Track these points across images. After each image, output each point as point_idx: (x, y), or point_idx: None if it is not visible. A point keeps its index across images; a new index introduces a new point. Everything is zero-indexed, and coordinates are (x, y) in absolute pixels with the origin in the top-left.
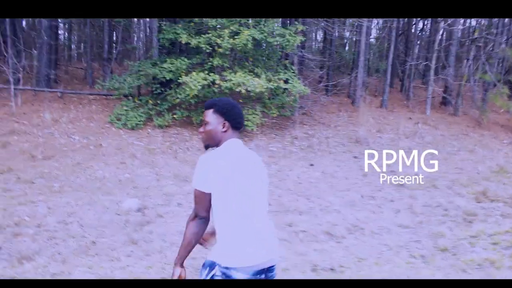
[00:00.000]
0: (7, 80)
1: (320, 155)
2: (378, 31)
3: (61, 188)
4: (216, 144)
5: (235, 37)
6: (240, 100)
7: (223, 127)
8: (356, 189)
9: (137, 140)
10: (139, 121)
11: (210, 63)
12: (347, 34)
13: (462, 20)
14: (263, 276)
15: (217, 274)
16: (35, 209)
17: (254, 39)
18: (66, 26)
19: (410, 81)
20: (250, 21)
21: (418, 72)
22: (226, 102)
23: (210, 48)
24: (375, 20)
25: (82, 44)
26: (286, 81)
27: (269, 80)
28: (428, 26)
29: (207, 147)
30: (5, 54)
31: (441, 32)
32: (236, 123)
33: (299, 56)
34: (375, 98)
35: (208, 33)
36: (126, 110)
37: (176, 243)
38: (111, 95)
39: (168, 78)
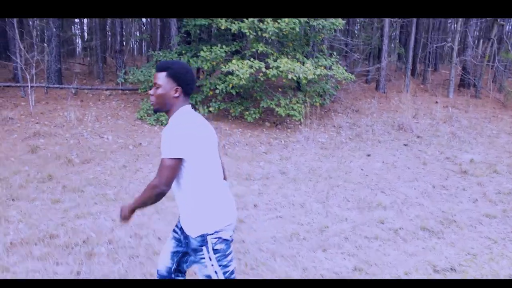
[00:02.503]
0: (13, 77)
1: (371, 145)
2: None
3: (116, 196)
4: (167, 109)
5: (278, 21)
6: (280, 89)
7: (176, 92)
8: (423, 179)
9: None
10: None
11: (252, 50)
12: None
13: None
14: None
15: (214, 241)
16: (98, 222)
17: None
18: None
19: (429, 64)
20: None
21: (435, 55)
22: (181, 66)
23: (254, 34)
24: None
25: (91, 36)
26: (329, 68)
27: (316, 67)
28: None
29: (157, 111)
30: (16, 48)
31: None
32: (188, 88)
33: (332, 40)
34: (394, 83)
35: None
36: None
37: (273, 251)
38: (129, 89)
39: (206, 68)
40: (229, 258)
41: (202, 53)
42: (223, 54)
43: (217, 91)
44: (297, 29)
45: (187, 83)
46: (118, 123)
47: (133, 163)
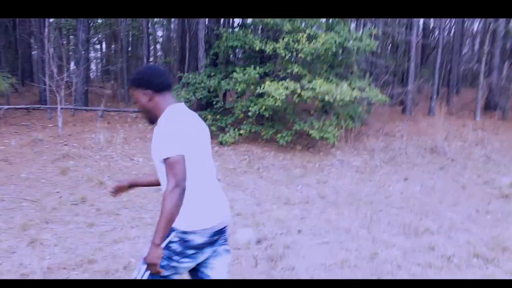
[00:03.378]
0: (38, 100)
1: (406, 168)
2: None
3: (153, 220)
4: (155, 115)
5: (313, 41)
6: (311, 111)
7: (148, 97)
8: (465, 203)
9: None
10: None
11: (287, 71)
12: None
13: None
14: (216, 238)
15: (174, 240)
16: (137, 247)
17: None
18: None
19: (454, 87)
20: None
21: (457, 77)
22: (137, 72)
23: (289, 54)
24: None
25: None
26: (363, 90)
27: (353, 88)
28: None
29: (151, 121)
30: (46, 71)
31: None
32: (159, 86)
33: (364, 61)
34: (419, 105)
35: (281, 39)
36: None
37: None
38: None
39: (239, 90)
40: (174, 264)
41: (235, 75)
42: (257, 76)
43: (249, 113)
44: (334, 49)
45: (153, 82)
46: (147, 145)
47: None
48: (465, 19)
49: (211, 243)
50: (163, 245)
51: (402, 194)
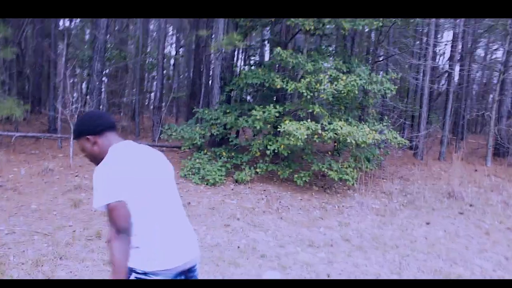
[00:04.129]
0: (47, 129)
1: (426, 212)
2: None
3: None
4: (102, 158)
5: (335, 83)
6: (329, 152)
7: (90, 143)
8: (492, 250)
9: (226, 198)
10: (220, 176)
11: (307, 111)
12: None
13: None
14: (183, 277)
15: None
16: None
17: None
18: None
19: (464, 133)
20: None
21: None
22: (76, 123)
23: (311, 94)
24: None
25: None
26: (380, 132)
27: (374, 131)
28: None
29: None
30: (59, 99)
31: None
32: (94, 128)
33: (379, 104)
34: (429, 149)
35: (303, 78)
36: (199, 163)
37: None
38: (167, 146)
39: (258, 128)
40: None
41: (254, 112)
42: (277, 114)
43: (267, 152)
44: (356, 91)
45: (92, 126)
46: None
47: None
48: (473, 68)
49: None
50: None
51: (426, 239)
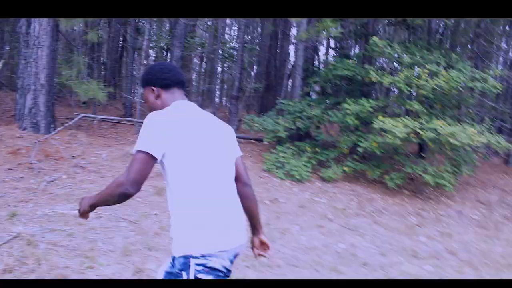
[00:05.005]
0: (124, 114)
1: None
2: None
3: (271, 261)
4: None
5: (435, 78)
6: (422, 154)
7: (154, 95)
8: None
9: (314, 196)
10: (306, 172)
11: (402, 108)
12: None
13: None
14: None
15: (197, 270)
16: None
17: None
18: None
19: None
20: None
21: None
22: (145, 70)
23: (409, 90)
24: None
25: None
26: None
27: (481, 133)
28: None
29: None
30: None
31: None
32: (161, 81)
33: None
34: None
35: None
36: (283, 157)
37: None
38: (246, 138)
39: (351, 123)
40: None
41: (346, 106)
42: (370, 109)
43: (359, 149)
44: (460, 88)
45: (160, 78)
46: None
47: (276, 221)
48: None
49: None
50: (191, 276)
51: None
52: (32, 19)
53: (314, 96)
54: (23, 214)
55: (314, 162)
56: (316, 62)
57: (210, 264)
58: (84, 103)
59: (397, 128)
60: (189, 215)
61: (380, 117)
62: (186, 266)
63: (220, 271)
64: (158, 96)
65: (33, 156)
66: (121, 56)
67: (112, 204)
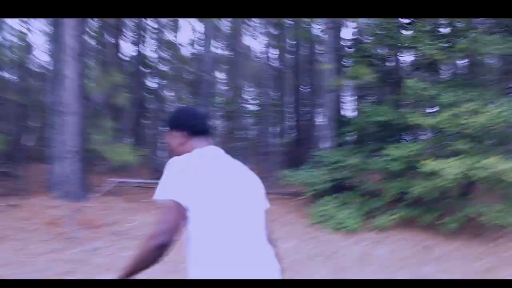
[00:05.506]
0: (154, 176)
1: None
2: None
3: None
4: None
5: (479, 115)
6: (469, 194)
7: (179, 140)
8: None
9: (370, 248)
10: (356, 223)
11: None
12: None
13: None
14: None
15: None
16: None
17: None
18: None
19: None
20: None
21: None
22: (173, 112)
23: (452, 129)
24: None
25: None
26: None
27: None
28: None
29: None
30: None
31: None
32: (189, 128)
33: None
34: None
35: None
36: (327, 209)
37: None
38: (285, 194)
39: (394, 169)
40: None
41: (389, 151)
42: (413, 153)
43: (409, 195)
44: (504, 124)
45: (186, 125)
46: (288, 229)
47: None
48: None
49: None
50: None
51: None
52: (60, 87)
53: (348, 145)
54: None
55: (361, 212)
56: (345, 112)
57: None
58: (110, 169)
59: (447, 169)
60: (205, 265)
61: (428, 160)
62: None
63: None
64: (183, 143)
65: (70, 226)
66: (140, 118)
67: (149, 266)
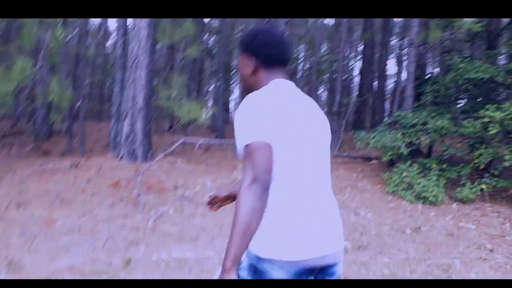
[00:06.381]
0: (217, 135)
1: None
2: None
3: None
4: (253, 90)
5: None
6: None
7: (251, 68)
8: None
9: (458, 221)
10: (439, 193)
11: None
12: None
13: None
14: (311, 277)
15: (243, 265)
16: None
17: None
18: None
19: None
20: None
21: None
22: (249, 33)
23: None
24: None
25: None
26: None
27: None
28: None
29: (247, 93)
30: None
31: None
32: (266, 55)
33: None
34: None
35: None
36: (408, 176)
37: None
38: (357, 157)
39: (495, 131)
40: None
41: (488, 113)
42: None
43: (499, 164)
44: None
45: (264, 52)
46: (365, 197)
47: (429, 255)
48: None
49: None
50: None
51: None
52: (131, 39)
53: (431, 106)
54: (137, 259)
55: (444, 181)
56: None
57: (258, 268)
58: (170, 127)
59: None
60: (276, 213)
61: None
62: (249, 270)
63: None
64: (255, 72)
65: (134, 189)
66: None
67: (259, 220)
